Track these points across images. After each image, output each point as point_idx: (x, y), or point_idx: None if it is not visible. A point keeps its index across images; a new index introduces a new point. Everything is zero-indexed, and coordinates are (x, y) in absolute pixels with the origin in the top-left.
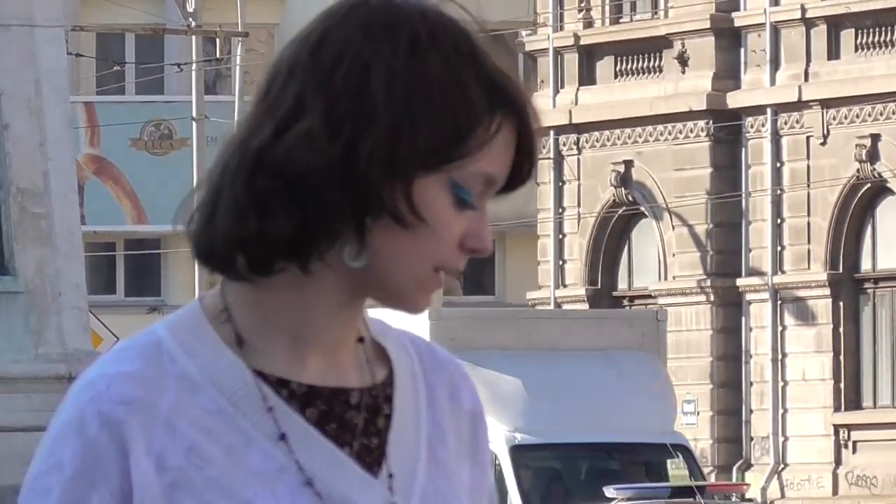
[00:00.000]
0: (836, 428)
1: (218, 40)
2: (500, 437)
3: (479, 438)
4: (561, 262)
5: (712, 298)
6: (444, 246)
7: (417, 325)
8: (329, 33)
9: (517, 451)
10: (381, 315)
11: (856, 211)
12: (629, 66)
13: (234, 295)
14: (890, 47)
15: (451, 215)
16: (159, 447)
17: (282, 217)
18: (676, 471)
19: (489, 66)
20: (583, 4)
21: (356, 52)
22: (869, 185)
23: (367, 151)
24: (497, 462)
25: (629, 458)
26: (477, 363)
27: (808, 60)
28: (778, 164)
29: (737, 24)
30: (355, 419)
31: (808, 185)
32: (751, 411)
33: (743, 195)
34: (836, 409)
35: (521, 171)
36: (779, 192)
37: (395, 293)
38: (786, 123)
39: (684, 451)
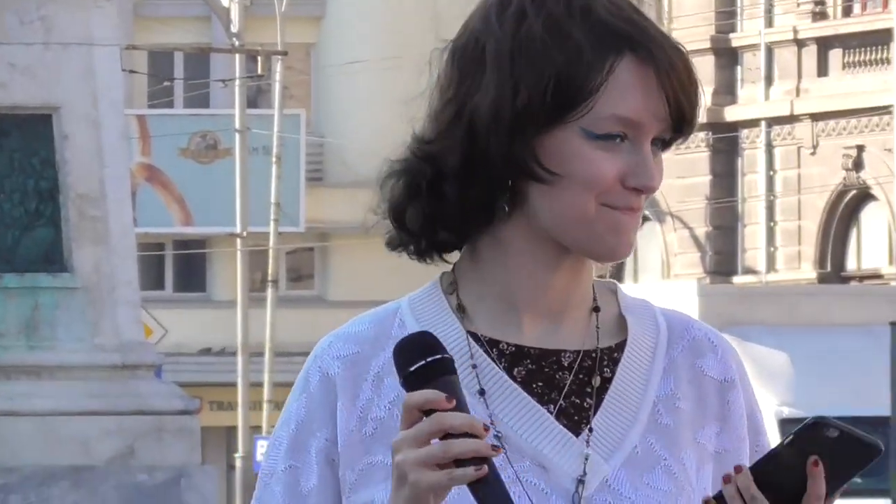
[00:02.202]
0: None
1: (259, 58)
2: (768, 410)
3: (732, 406)
4: None
5: None
6: (596, 185)
7: (686, 302)
8: (463, 30)
9: (785, 425)
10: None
11: (842, 215)
12: None
13: (460, 269)
14: (874, 65)
15: (596, 158)
16: (365, 400)
17: (433, 201)
18: None
19: (601, 16)
20: None
21: (476, 37)
22: (854, 191)
23: (482, 121)
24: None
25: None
26: (744, 338)
27: (800, 78)
28: (771, 173)
29: (734, 44)
30: (565, 379)
31: (799, 192)
32: None
33: (739, 201)
34: None
35: (672, 111)
36: (772, 198)
37: (572, 240)
38: (778, 135)
39: None
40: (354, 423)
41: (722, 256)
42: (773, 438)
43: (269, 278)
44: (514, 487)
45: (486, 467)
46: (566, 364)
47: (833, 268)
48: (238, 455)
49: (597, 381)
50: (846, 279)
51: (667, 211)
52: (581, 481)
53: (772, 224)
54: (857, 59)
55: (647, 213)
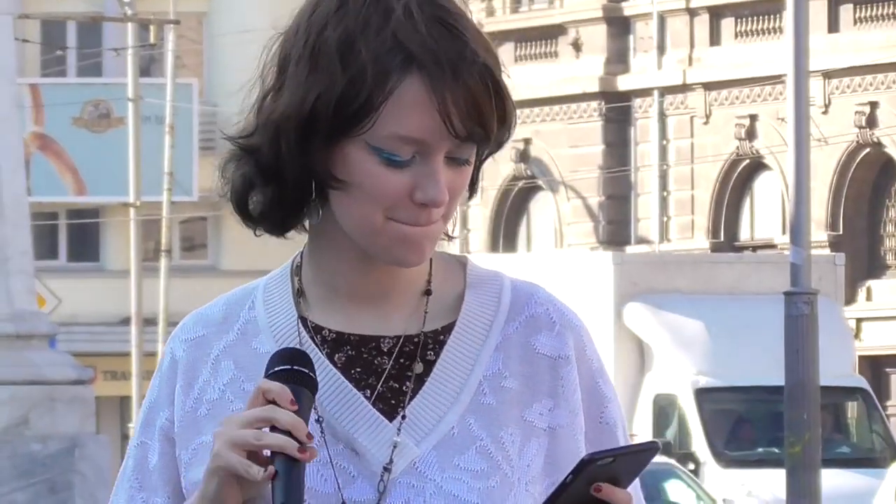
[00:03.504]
0: None
1: (152, 27)
2: (683, 379)
3: (564, 382)
4: (466, 231)
5: None
6: (382, 200)
7: (602, 270)
8: (290, 24)
9: (701, 394)
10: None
11: (735, 185)
12: (528, 52)
13: (305, 252)
14: (767, 34)
15: (381, 173)
16: (202, 382)
17: (258, 193)
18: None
19: (394, 31)
20: None
21: (287, 38)
22: (747, 161)
23: (281, 123)
24: (680, 404)
25: None
26: (660, 306)
27: (692, 46)
28: (664, 142)
29: (626, 13)
30: (384, 365)
31: (692, 161)
32: None
33: (632, 170)
34: None
35: (455, 130)
36: (665, 167)
37: (363, 246)
38: (671, 104)
39: (864, 394)
40: (191, 404)
41: (615, 226)
42: (690, 409)
43: (163, 248)
44: (325, 470)
45: (272, 469)
46: (385, 349)
47: (726, 237)
48: (132, 425)
49: (418, 367)
50: (739, 249)
51: (560, 180)
52: (387, 468)
53: (665, 194)
54: (749, 27)
55: (540, 182)
